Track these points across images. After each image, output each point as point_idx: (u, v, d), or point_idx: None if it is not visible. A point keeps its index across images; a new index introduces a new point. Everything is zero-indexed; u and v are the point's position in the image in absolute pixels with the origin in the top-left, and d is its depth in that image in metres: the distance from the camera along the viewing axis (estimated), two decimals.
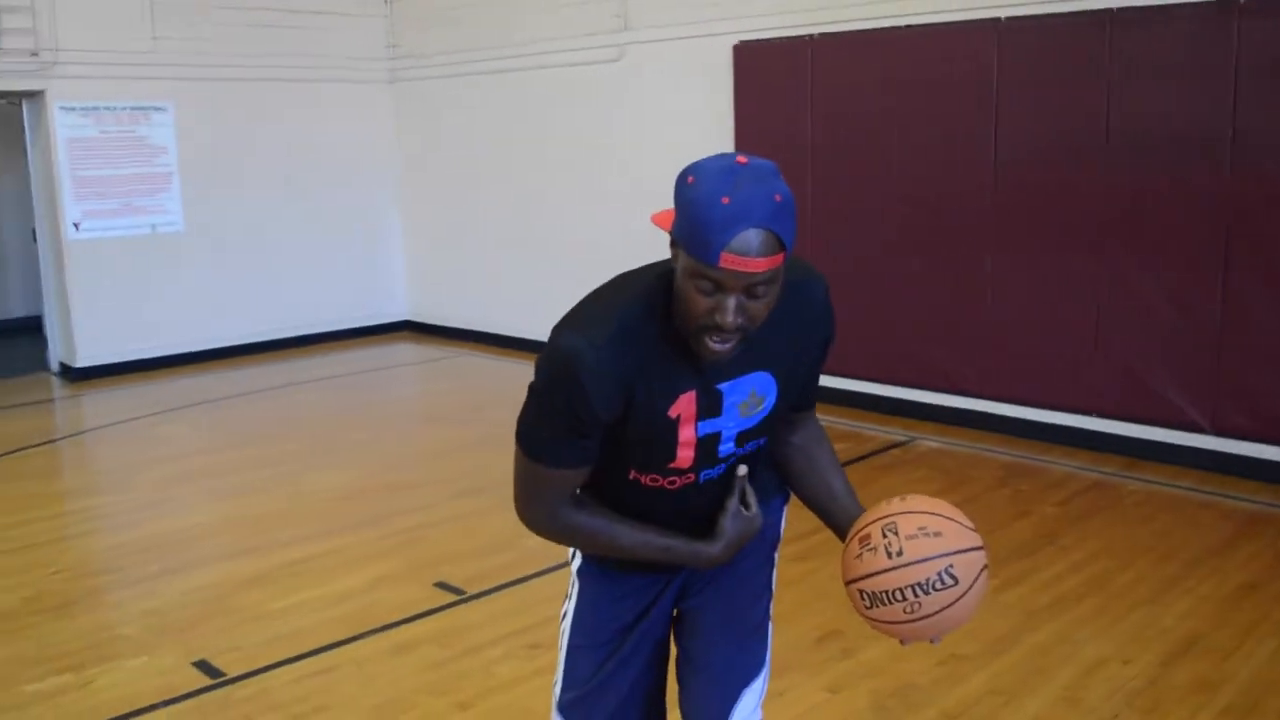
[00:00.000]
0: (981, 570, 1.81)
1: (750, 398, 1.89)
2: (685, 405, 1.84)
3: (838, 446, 6.44)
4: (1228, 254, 5.46)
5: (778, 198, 1.63)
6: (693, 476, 1.94)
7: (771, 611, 2.16)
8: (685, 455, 1.89)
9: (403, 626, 4.10)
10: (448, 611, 4.23)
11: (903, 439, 6.47)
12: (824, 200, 7.00)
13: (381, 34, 10.22)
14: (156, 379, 8.80)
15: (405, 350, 9.97)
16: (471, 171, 9.73)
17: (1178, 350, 5.69)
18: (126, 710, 3.54)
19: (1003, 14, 6.08)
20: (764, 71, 7.29)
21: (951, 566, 1.77)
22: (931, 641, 1.85)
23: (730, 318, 1.66)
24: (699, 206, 1.63)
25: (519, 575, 4.45)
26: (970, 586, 1.78)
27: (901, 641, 1.87)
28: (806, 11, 7.00)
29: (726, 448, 1.93)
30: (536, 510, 1.94)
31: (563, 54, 8.65)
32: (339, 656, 3.88)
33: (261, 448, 6.78)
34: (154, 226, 9.04)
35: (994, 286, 6.33)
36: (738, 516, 1.96)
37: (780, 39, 7.15)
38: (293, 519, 5.37)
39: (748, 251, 1.61)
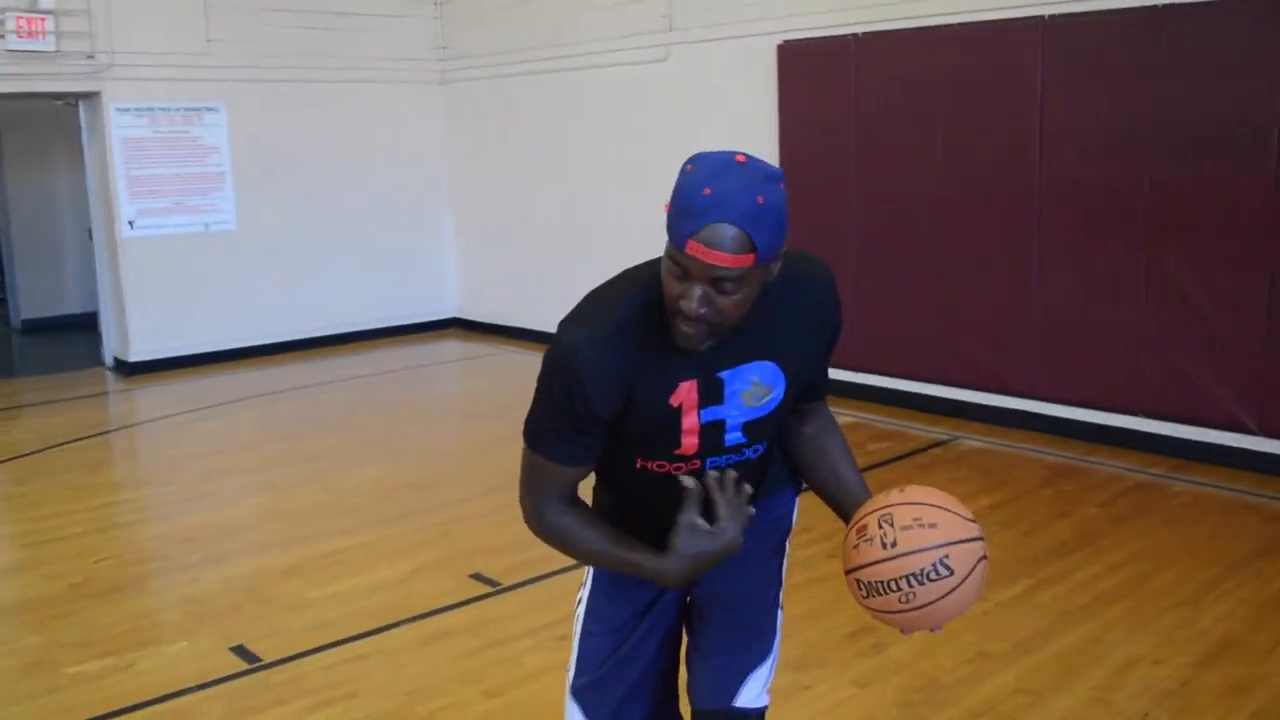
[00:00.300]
0: (979, 561, 1.81)
1: (754, 387, 1.90)
2: (686, 393, 1.86)
3: (879, 445, 6.44)
4: (1277, 253, 5.37)
5: (760, 200, 1.64)
6: (699, 463, 1.95)
7: (781, 601, 2.17)
8: (690, 442, 1.91)
9: (436, 616, 4.15)
10: (481, 603, 4.28)
11: (945, 438, 6.43)
12: (868, 199, 6.98)
13: (432, 35, 10.33)
14: (206, 374, 8.95)
15: (452, 347, 10.07)
16: (520, 171, 9.80)
17: (1225, 350, 5.60)
18: (165, 693, 3.62)
19: (1047, 11, 6.02)
20: (808, 70, 7.27)
21: (947, 557, 1.77)
22: (933, 630, 1.86)
23: (694, 305, 1.68)
24: (683, 192, 1.66)
25: (552, 568, 4.48)
26: (966, 577, 1.79)
27: (902, 630, 1.88)
28: (850, 10, 6.98)
29: (734, 436, 1.94)
30: (529, 505, 1.98)
31: (609, 54, 8.70)
32: (372, 645, 3.94)
33: (304, 442, 6.88)
34: (206, 225, 9.21)
35: (1039, 285, 6.27)
36: (693, 531, 1.83)
37: (824, 38, 7.13)
38: (332, 512, 5.45)
39: (714, 244, 1.62)
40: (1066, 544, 4.68)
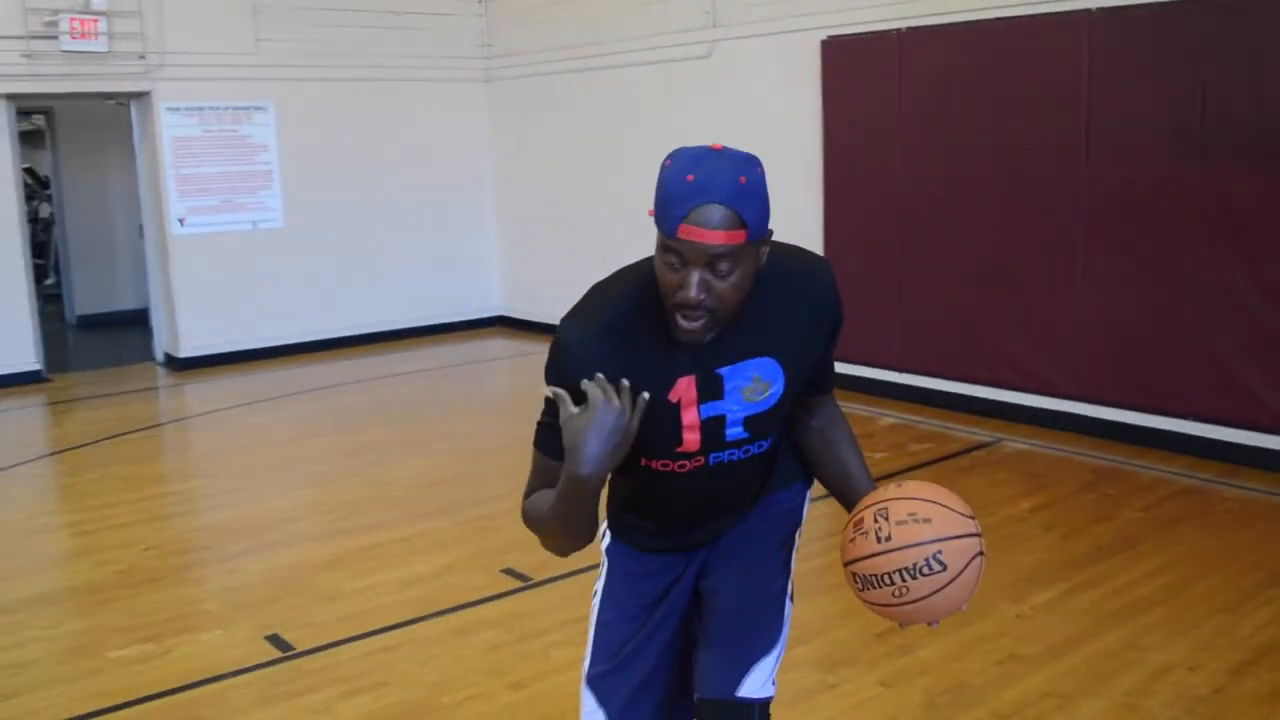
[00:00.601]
0: (973, 558, 1.82)
1: (754, 383, 1.92)
2: (685, 389, 1.88)
3: (921, 446, 6.39)
4: None
5: (743, 179, 1.68)
6: (702, 459, 1.97)
7: (790, 591, 2.16)
8: (691, 438, 1.93)
9: (467, 610, 4.19)
10: (512, 597, 4.31)
11: (989, 440, 6.36)
12: (912, 196, 6.93)
13: (477, 33, 10.40)
14: (254, 370, 9.09)
15: (497, 345, 10.13)
16: (564, 168, 9.84)
17: (1277, 351, 5.49)
18: (200, 678, 3.69)
19: (1093, 5, 5.94)
20: (852, 66, 7.23)
21: (940, 553, 1.78)
22: (930, 624, 1.86)
23: (693, 292, 1.71)
24: (667, 183, 1.71)
25: (584, 564, 4.44)
26: (959, 573, 1.79)
27: (900, 624, 1.89)
28: (894, 5, 6.93)
29: (735, 431, 1.96)
30: (523, 499, 2.03)
31: (654, 51, 8.71)
32: (403, 636, 3.98)
33: (348, 437, 6.96)
34: (255, 223, 9.35)
35: (1085, 284, 6.19)
36: (569, 420, 1.78)
37: (868, 34, 7.09)
38: (372, 506, 5.51)
39: (705, 224, 1.67)
40: (1105, 548, 4.61)
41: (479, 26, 10.40)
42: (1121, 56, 5.86)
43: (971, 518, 1.85)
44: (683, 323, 1.76)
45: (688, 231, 1.68)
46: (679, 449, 1.94)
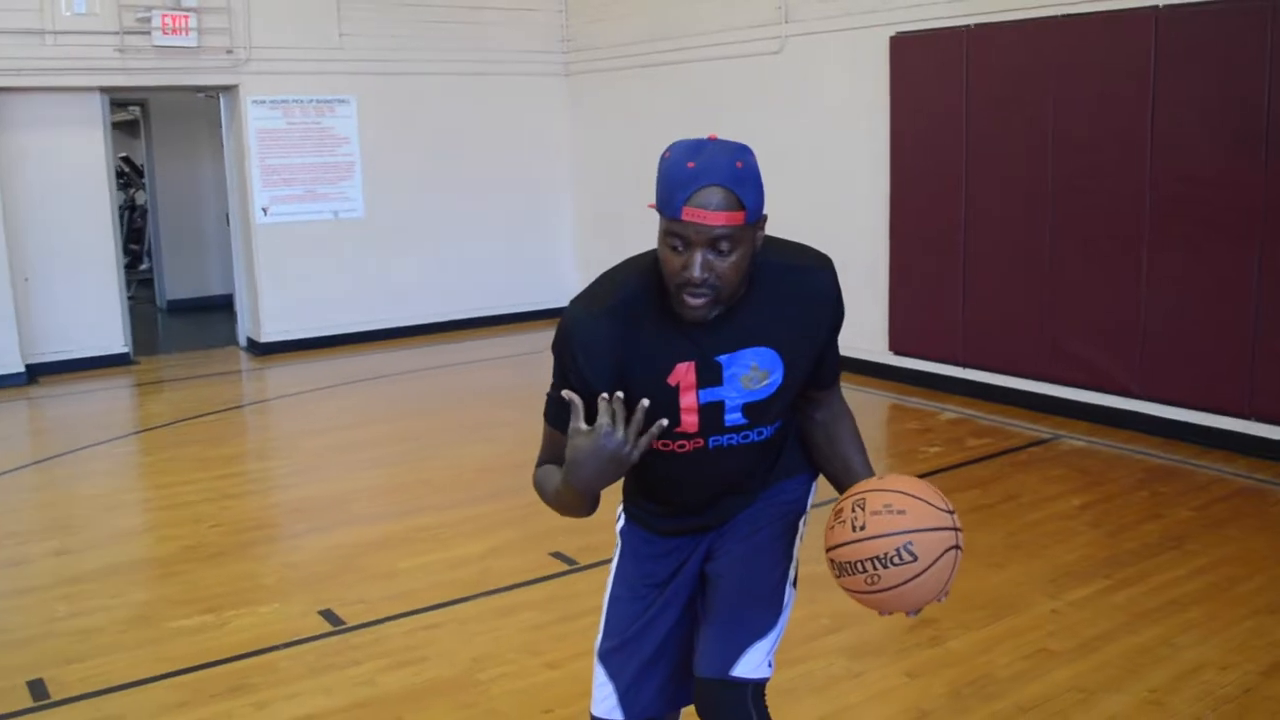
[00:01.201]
0: (946, 551, 1.87)
1: (752, 371, 2.01)
2: (684, 374, 1.99)
3: (978, 441, 6.37)
4: None
5: (739, 165, 1.81)
6: (701, 441, 2.06)
7: (793, 577, 2.23)
8: (689, 421, 2.03)
9: (511, 591, 4.32)
10: (557, 580, 4.43)
11: (1047, 436, 6.31)
12: (978, 192, 6.90)
13: (556, 28, 10.54)
14: (330, 356, 9.36)
15: None
16: (638, 163, 9.88)
17: None
18: (254, 649, 3.87)
19: (1161, 1, 5.85)
20: (920, 62, 7.21)
21: (910, 544, 1.84)
22: (908, 614, 1.92)
23: (697, 271, 1.83)
24: (668, 171, 1.83)
25: None
26: (930, 565, 1.85)
27: (880, 612, 1.95)
28: (964, 1, 6.89)
29: (734, 418, 2.05)
30: (535, 470, 2.14)
31: (727, 46, 8.76)
32: (448, 614, 4.13)
33: (414, 423, 7.15)
34: (336, 213, 9.62)
35: (1149, 280, 6.10)
36: (575, 434, 1.91)
37: (937, 29, 7.06)
38: (431, 489, 5.68)
39: (708, 205, 1.80)
40: (1152, 546, 4.58)
41: (559, 21, 10.54)
42: (1188, 52, 5.77)
43: (949, 512, 1.91)
44: (688, 299, 1.87)
45: (691, 214, 1.80)
46: (678, 430, 2.04)
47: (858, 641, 3.77)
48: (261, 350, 9.42)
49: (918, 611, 1.92)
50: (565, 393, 1.93)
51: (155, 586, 4.51)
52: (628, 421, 1.89)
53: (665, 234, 1.86)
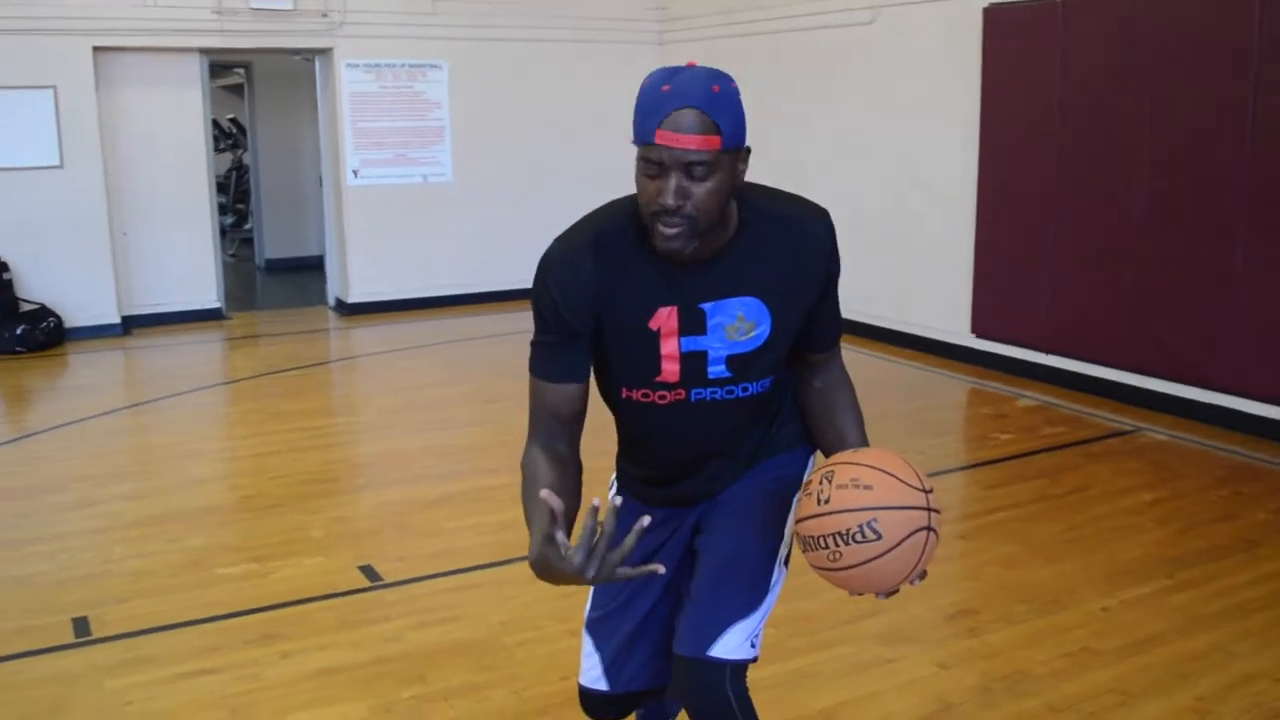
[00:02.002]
0: (915, 532, 1.76)
1: (738, 321, 1.94)
2: (665, 319, 1.92)
3: (1054, 430, 6.17)
4: None
5: (716, 88, 1.74)
6: (683, 393, 2.00)
7: (784, 556, 2.15)
8: (670, 369, 1.96)
9: None
10: None
11: (1128, 428, 6.07)
12: (1071, 170, 6.64)
13: None
14: (414, 318, 9.48)
15: None
16: None
17: None
18: (292, 599, 3.93)
19: None
20: (1013, 35, 6.96)
21: (875, 521, 1.74)
22: (878, 595, 1.83)
23: (671, 198, 1.75)
24: (644, 96, 1.78)
25: None
26: (896, 545, 1.74)
27: (850, 592, 1.85)
28: None
29: (717, 370, 1.98)
30: (527, 436, 2.03)
31: (819, 16, 8.58)
32: (485, 576, 4.14)
33: (485, 385, 7.19)
34: (425, 176, 9.70)
35: (1245, 270, 5.80)
36: (546, 542, 1.69)
37: (1030, 2, 6.80)
38: (491, 452, 5.69)
39: (681, 128, 1.72)
40: (1221, 548, 4.36)
41: None
42: None
43: (924, 491, 1.79)
44: (662, 229, 1.80)
45: (664, 137, 1.74)
46: (657, 379, 1.98)
47: (893, 628, 3.66)
48: (349, 310, 9.58)
49: (890, 594, 1.83)
50: (544, 492, 1.67)
51: (211, 533, 4.61)
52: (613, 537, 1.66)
53: (640, 161, 1.79)
